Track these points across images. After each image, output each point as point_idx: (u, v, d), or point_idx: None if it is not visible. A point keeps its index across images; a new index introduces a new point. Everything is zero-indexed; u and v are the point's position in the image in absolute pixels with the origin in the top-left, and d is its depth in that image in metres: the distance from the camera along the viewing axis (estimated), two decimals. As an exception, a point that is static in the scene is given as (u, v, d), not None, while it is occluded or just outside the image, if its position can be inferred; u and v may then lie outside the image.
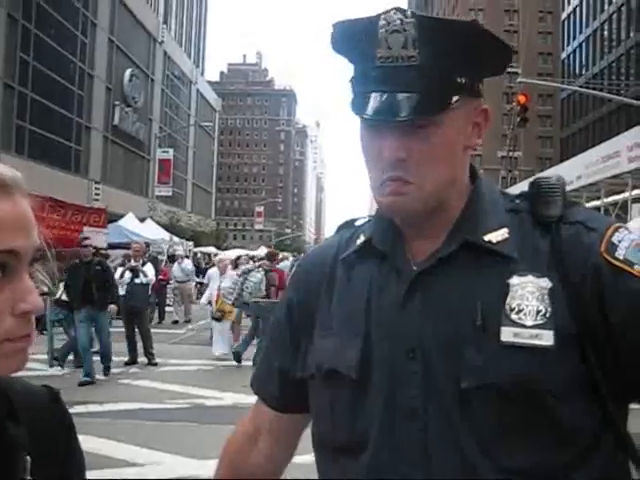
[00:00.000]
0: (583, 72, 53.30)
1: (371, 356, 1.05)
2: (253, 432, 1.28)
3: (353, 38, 1.03)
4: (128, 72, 45.52)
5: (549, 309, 0.98)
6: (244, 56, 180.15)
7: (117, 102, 43.84)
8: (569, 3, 57.48)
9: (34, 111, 33.24)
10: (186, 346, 12.07)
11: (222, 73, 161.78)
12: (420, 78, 0.98)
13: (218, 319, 11.81)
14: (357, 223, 1.23)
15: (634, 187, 26.69)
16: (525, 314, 0.98)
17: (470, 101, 1.04)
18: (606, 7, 50.42)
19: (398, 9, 0.99)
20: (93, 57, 40.34)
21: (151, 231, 24.14)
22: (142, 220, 25.95)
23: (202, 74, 74.93)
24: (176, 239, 26.60)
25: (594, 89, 36.84)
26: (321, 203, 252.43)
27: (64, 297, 10.41)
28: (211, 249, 37.07)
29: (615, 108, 45.70)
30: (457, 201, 1.08)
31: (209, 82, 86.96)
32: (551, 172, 35.48)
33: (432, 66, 0.98)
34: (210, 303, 12.73)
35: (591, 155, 30.75)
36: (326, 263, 1.19)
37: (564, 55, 59.39)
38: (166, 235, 25.75)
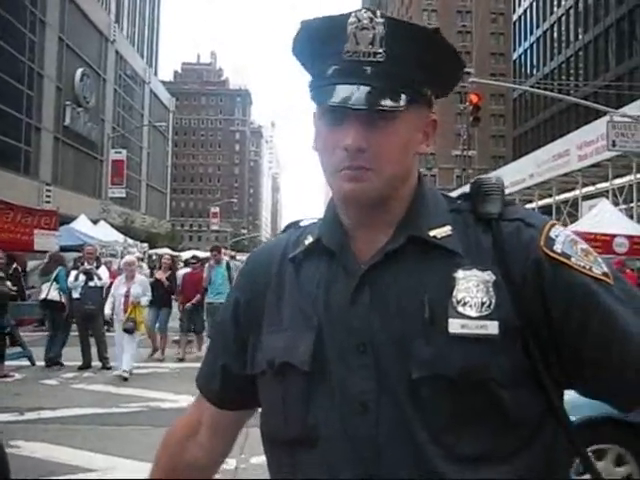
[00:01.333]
0: (534, 72, 54.33)
1: (323, 350, 1.07)
2: (193, 426, 1.32)
3: (322, 34, 1.07)
4: (79, 71, 44.79)
5: (493, 301, 1.02)
6: (198, 56, 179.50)
7: (68, 102, 43.09)
8: (520, 5, 58.52)
9: (-18, 111, 32.44)
10: (141, 349, 11.86)
11: (176, 73, 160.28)
12: (383, 74, 1.04)
13: (130, 330, 10.24)
14: (303, 224, 1.27)
15: (584, 185, 27.34)
16: (471, 306, 1.02)
17: (422, 109, 1.10)
18: (555, 9, 51.50)
19: (368, 9, 1.05)
20: (43, 56, 39.60)
21: (105, 233, 23.83)
22: (95, 222, 25.59)
23: (155, 74, 74.15)
24: (130, 241, 26.29)
25: (545, 89, 37.59)
26: (277, 203, 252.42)
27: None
28: (166, 251, 36.72)
29: (565, 108, 46.73)
30: (402, 201, 1.13)
31: (163, 82, 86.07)
32: (504, 170, 36.12)
33: (395, 65, 1.04)
34: (113, 314, 10.71)
35: (543, 154, 31.45)
36: (273, 262, 1.21)
37: (515, 55, 60.45)
38: (120, 237, 25.45)
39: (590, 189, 26.94)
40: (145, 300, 10.70)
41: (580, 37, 47.13)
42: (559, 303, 1.02)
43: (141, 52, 66.41)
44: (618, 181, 25.23)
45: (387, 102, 1.03)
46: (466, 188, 1.28)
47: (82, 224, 22.62)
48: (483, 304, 1.02)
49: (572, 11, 48.59)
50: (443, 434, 0.99)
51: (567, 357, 1.03)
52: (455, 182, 63.23)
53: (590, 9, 45.90)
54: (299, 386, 1.08)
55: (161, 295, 12.03)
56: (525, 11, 57.15)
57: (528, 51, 56.23)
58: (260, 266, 1.23)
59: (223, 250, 15.35)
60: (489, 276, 1.04)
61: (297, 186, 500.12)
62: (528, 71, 56.24)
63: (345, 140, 1.04)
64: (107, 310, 10.76)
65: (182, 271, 14.34)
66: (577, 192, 27.34)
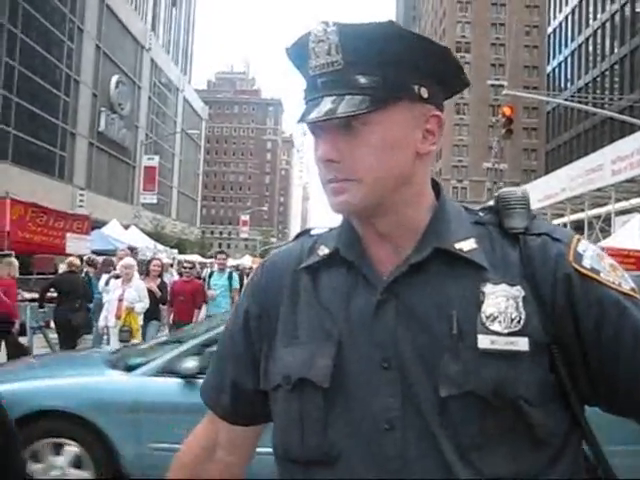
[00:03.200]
0: (568, 86, 53.80)
1: (344, 365, 1.03)
2: (208, 445, 1.25)
3: (296, 58, 1.09)
4: (115, 79, 45.46)
5: (523, 317, 0.99)
6: (232, 65, 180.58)
7: (103, 108, 43.75)
8: (555, 18, 58.08)
9: (19, 116, 33.10)
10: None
11: (209, 81, 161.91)
12: (344, 81, 1.01)
13: (126, 340, 8.82)
14: (314, 232, 1.23)
15: (617, 200, 26.93)
16: (500, 322, 0.99)
17: (414, 106, 1.04)
18: (591, 22, 50.99)
19: (323, 21, 1.04)
20: (79, 63, 40.27)
21: (135, 238, 24.01)
22: (126, 227, 25.81)
23: (189, 82, 74.92)
24: (160, 247, 26.46)
25: (579, 102, 37.20)
26: (306, 212, 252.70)
27: None
28: (196, 257, 36.94)
29: (599, 122, 46.17)
30: (419, 212, 1.09)
31: (196, 90, 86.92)
32: (536, 184, 35.77)
33: (355, 69, 1.01)
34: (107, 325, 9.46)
35: (575, 168, 31.01)
36: (287, 271, 1.17)
37: (549, 69, 59.94)
38: (150, 243, 25.61)
39: (624, 204, 26.48)
40: (140, 307, 9.39)
41: (616, 50, 46.58)
42: (589, 319, 1.00)
43: (176, 60, 67.17)
44: (653, 197, 24.79)
45: (348, 108, 0.99)
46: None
47: (114, 229, 22.82)
48: (513, 320, 0.99)
49: (608, 24, 48.05)
50: (472, 453, 0.97)
51: (596, 374, 1.01)
52: (486, 195, 62.72)
53: (627, 22, 45.35)
54: (317, 403, 1.04)
55: (150, 306, 9.83)
56: (560, 24, 56.68)
57: (562, 64, 55.73)
58: (272, 275, 1.19)
59: (256, 259, 14.51)
60: (518, 291, 1.01)
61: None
62: (562, 85, 55.72)
63: (318, 153, 1.04)
64: (101, 322, 9.58)
65: (170, 277, 12.50)
66: (610, 207, 26.92)
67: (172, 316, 10.76)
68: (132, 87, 49.98)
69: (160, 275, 10.81)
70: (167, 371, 4.72)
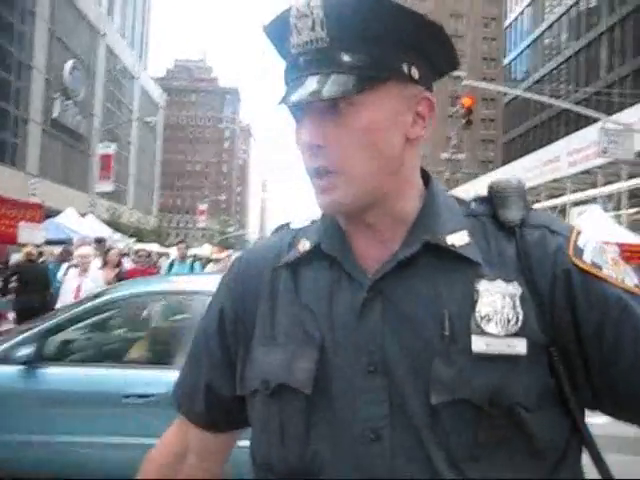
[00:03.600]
0: (525, 78, 54.45)
1: (327, 369, 0.96)
2: (178, 450, 1.17)
3: (276, 36, 1.00)
4: (69, 64, 44.34)
5: (520, 317, 0.93)
6: (189, 53, 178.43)
7: (57, 94, 42.68)
8: (512, 10, 58.65)
9: (-31, 101, 32.07)
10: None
11: (168, 70, 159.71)
12: (329, 59, 0.93)
13: None
14: (294, 226, 1.14)
15: (573, 191, 27.39)
16: (496, 322, 0.93)
17: (404, 87, 0.96)
18: (547, 16, 51.62)
19: None
20: (32, 48, 39.16)
21: (92, 227, 23.56)
22: (83, 216, 25.32)
23: (145, 69, 73.71)
24: (117, 236, 26.03)
25: (536, 94, 37.62)
26: (265, 202, 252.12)
27: None
28: (153, 246, 36.45)
29: (555, 114, 46.87)
30: (409, 202, 1.01)
31: (154, 78, 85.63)
32: (494, 174, 36.14)
33: (341, 46, 0.93)
34: None
35: (532, 159, 31.51)
36: (265, 268, 1.09)
37: (507, 61, 60.58)
38: (107, 231, 25.18)
39: (579, 196, 26.95)
40: None
41: (571, 44, 47.28)
42: (591, 318, 0.93)
43: (132, 47, 65.98)
44: (607, 188, 25.27)
45: (335, 89, 0.91)
46: (465, 189, 1.14)
47: (69, 218, 22.35)
48: (509, 320, 0.92)
49: (564, 18, 48.73)
50: (465, 464, 0.90)
51: (596, 376, 0.94)
52: (445, 185, 63.13)
53: (582, 16, 46.06)
54: (299, 410, 0.96)
55: None
56: (518, 16, 57.28)
57: (520, 56, 56.37)
58: (249, 272, 1.10)
59: (216, 248, 14.31)
60: (515, 289, 0.94)
61: (285, 187, 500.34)
62: (520, 76, 56.37)
63: (302, 137, 0.96)
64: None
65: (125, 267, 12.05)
66: (566, 198, 27.38)
67: None
68: (87, 73, 48.85)
69: (118, 265, 10.55)
70: (2, 360, 4.53)
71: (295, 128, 1.00)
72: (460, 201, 1.06)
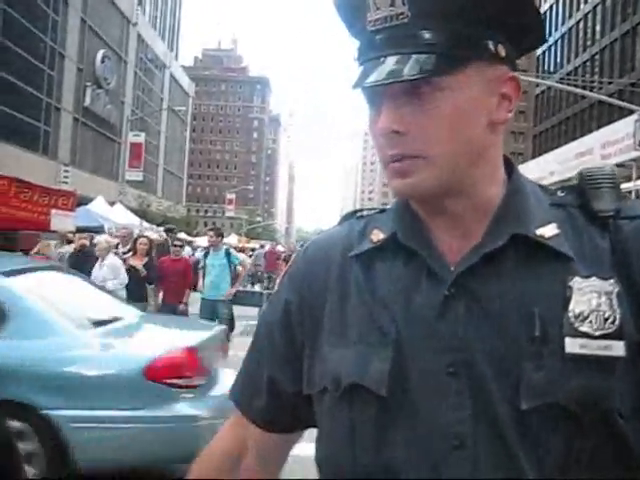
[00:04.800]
0: (558, 69, 53.65)
1: (403, 370, 0.89)
2: (234, 450, 1.10)
3: (348, 9, 0.93)
4: (100, 53, 44.70)
5: (618, 316, 0.85)
6: (219, 42, 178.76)
7: (88, 83, 43.05)
8: (546, 1, 57.77)
9: (2, 89, 32.44)
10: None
11: (196, 58, 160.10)
12: (411, 36, 0.87)
13: None
14: (363, 214, 1.06)
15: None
16: (591, 322, 0.85)
17: (490, 67, 0.89)
18: (582, 6, 50.75)
19: None
20: (65, 36, 39.51)
21: (121, 216, 23.76)
22: (112, 204, 25.53)
23: (176, 58, 74.00)
24: (146, 224, 26.22)
25: (568, 86, 37.09)
26: (293, 192, 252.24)
27: None
28: (182, 235, 36.67)
29: (588, 106, 46.11)
30: (493, 190, 0.94)
31: (183, 67, 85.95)
32: (526, 167, 35.71)
33: (425, 22, 0.87)
34: None
35: (565, 152, 31.07)
36: (334, 259, 1.01)
37: (539, 52, 59.78)
38: (136, 220, 25.38)
39: (620, 181, 26.60)
40: (111, 284, 8.87)
41: (606, 34, 46.43)
42: None
43: (162, 36, 66.19)
44: (641, 182, 24.83)
45: (416, 70, 0.85)
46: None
47: (99, 206, 22.56)
48: (607, 320, 0.85)
49: (599, 8, 47.83)
50: (557, 474, 0.83)
51: None
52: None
53: (617, 6, 45.17)
54: (372, 413, 0.89)
55: (135, 286, 9.49)
56: (551, 6, 56.39)
57: (552, 47, 55.51)
58: (317, 263, 1.03)
59: (238, 237, 13.79)
60: (612, 286, 0.87)
61: (313, 176, 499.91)
62: (552, 68, 55.56)
63: (378, 124, 0.89)
64: None
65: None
66: (599, 192, 26.99)
67: (161, 296, 10.33)
68: (118, 62, 49.20)
69: (148, 253, 10.25)
70: None
71: (369, 113, 0.93)
72: (545, 189, 0.99)
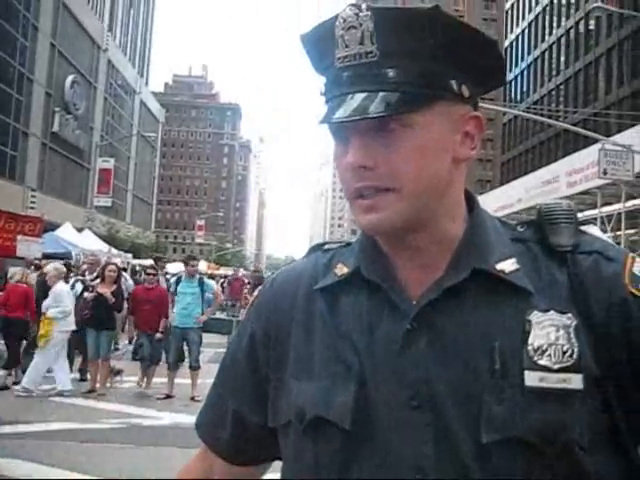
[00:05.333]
0: (524, 98, 54.68)
1: (367, 403, 0.90)
2: None
3: (317, 46, 0.94)
4: (70, 78, 44.50)
5: (576, 349, 0.87)
6: (190, 68, 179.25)
7: (57, 108, 42.76)
8: (512, 32, 59.03)
9: (-31, 114, 32.07)
10: (123, 362, 11.53)
11: (167, 84, 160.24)
12: (378, 75, 0.88)
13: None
14: (329, 247, 1.07)
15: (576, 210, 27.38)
16: (550, 355, 0.87)
17: (454, 106, 0.92)
18: (547, 37, 51.96)
19: (354, 4, 0.91)
20: (33, 61, 39.28)
21: (89, 242, 23.49)
22: (80, 230, 25.26)
23: (146, 84, 73.92)
24: (114, 251, 25.95)
25: (535, 115, 37.79)
26: (262, 219, 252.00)
27: None
28: (150, 262, 36.32)
29: (553, 135, 47.00)
30: (455, 225, 0.95)
31: (153, 93, 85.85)
32: (493, 194, 36.16)
33: (392, 61, 0.88)
34: None
35: (531, 179, 31.52)
36: (299, 292, 1.02)
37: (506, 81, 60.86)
38: (104, 246, 25.11)
39: (578, 216, 26.97)
40: (53, 312, 9.18)
41: (570, 65, 47.54)
42: None
43: (133, 62, 66.18)
44: (606, 209, 25.27)
45: (383, 107, 0.86)
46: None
47: (67, 232, 22.31)
48: (565, 353, 0.87)
49: (563, 39, 49.02)
50: None
51: None
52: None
53: (581, 38, 46.35)
54: (336, 446, 0.90)
55: (104, 314, 9.61)
56: (517, 37, 57.64)
57: (519, 77, 56.62)
58: (282, 295, 1.03)
59: (207, 264, 13.74)
60: (569, 319, 0.88)
61: (283, 203, 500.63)
62: (518, 97, 56.63)
63: (348, 158, 0.90)
64: None
65: (125, 282, 11.82)
66: (565, 219, 27.34)
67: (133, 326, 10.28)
68: (88, 88, 49.00)
69: (116, 281, 10.19)
70: None
71: (335, 148, 0.93)
72: (506, 224, 1.01)
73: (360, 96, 0.88)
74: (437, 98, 0.90)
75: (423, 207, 0.91)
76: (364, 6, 0.88)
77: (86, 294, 9.91)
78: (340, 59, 0.90)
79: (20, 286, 10.18)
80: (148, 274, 10.83)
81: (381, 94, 0.87)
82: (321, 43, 0.92)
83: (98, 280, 10.20)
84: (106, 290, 9.79)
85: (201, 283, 9.91)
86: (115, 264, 11.11)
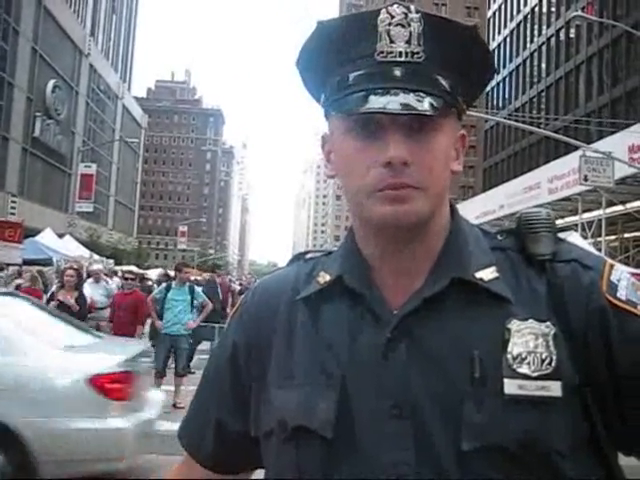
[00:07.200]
0: (506, 105, 55.09)
1: (349, 412, 0.91)
2: None
3: (347, 35, 0.93)
4: (51, 83, 44.25)
5: (554, 357, 0.89)
6: (172, 73, 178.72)
7: (38, 113, 42.49)
8: (494, 39, 59.50)
9: (-52, 118, 31.77)
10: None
11: (149, 89, 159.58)
12: (423, 76, 0.91)
13: None
14: (310, 256, 1.08)
15: (555, 218, 27.61)
16: (529, 363, 0.88)
17: (455, 121, 0.97)
18: (528, 45, 52.42)
19: (400, 3, 0.92)
20: (14, 66, 39.02)
21: (70, 248, 23.31)
22: (61, 236, 25.06)
23: (129, 89, 73.65)
24: (96, 257, 25.78)
25: (516, 122, 38.07)
26: (246, 225, 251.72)
27: None
28: (132, 268, 36.13)
29: (535, 141, 47.37)
30: (438, 231, 0.96)
31: (136, 98, 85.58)
32: (475, 200, 36.35)
33: (434, 66, 0.92)
34: None
35: (514, 186, 31.76)
36: (281, 301, 1.03)
37: (488, 88, 61.33)
38: (86, 252, 24.94)
39: (559, 222, 27.19)
40: None
41: (552, 73, 47.97)
42: (626, 358, 0.89)
43: (115, 67, 65.93)
44: (587, 215, 25.49)
45: (428, 107, 0.88)
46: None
47: (48, 238, 22.11)
48: (543, 361, 0.88)
49: (544, 47, 49.48)
50: None
51: (631, 418, 0.90)
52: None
53: (562, 46, 46.81)
54: (318, 455, 0.91)
55: None
56: (499, 45, 58.10)
57: (501, 84, 57.05)
58: (265, 304, 1.04)
59: (195, 270, 13.39)
60: (548, 328, 0.90)
61: (266, 209, 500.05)
62: (500, 104, 57.04)
63: (385, 153, 0.89)
64: None
65: (112, 285, 11.45)
66: (546, 225, 27.54)
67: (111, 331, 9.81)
68: (69, 92, 48.75)
69: (77, 287, 9.46)
70: None
71: (355, 142, 0.93)
72: (485, 233, 1.02)
73: (407, 94, 0.89)
74: (455, 108, 0.95)
75: (436, 210, 0.94)
76: (413, 8, 0.91)
77: (52, 303, 9.08)
78: (383, 53, 0.91)
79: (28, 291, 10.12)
80: (126, 279, 10.64)
81: (424, 95, 0.89)
82: (354, 33, 0.92)
83: (56, 287, 9.82)
84: (68, 297, 9.18)
85: (192, 291, 9.82)
86: (74, 268, 10.11)
